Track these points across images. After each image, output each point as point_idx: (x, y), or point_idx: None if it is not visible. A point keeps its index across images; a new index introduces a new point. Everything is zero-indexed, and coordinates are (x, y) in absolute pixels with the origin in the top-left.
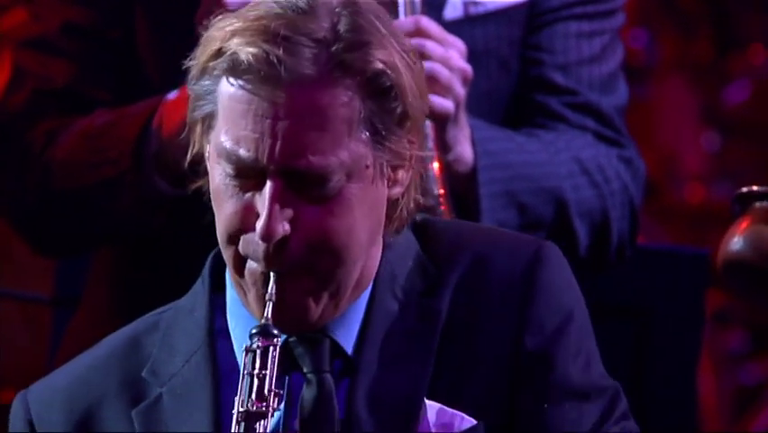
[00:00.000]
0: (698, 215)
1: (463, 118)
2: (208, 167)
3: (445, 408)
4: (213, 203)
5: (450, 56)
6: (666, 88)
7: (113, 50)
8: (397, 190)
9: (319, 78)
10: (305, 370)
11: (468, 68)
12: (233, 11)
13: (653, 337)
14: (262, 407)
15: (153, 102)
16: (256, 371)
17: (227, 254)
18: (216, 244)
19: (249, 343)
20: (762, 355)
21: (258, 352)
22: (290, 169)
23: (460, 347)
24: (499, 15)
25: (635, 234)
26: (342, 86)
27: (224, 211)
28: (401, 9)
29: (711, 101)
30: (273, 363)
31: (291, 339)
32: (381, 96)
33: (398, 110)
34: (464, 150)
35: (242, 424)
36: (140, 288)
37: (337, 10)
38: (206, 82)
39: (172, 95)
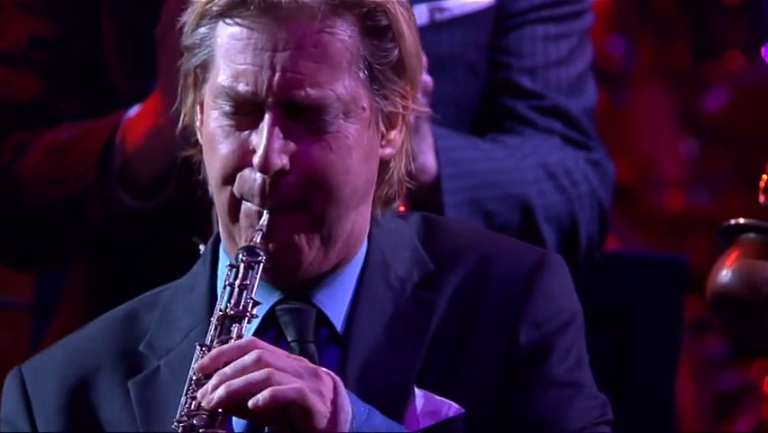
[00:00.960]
0: (676, 221)
1: (425, 128)
2: (199, 136)
3: (433, 395)
4: (207, 155)
5: None
6: (644, 95)
7: (80, 63)
8: (390, 151)
9: (318, 10)
10: (289, 339)
11: (428, 79)
12: None
13: (630, 343)
14: (240, 312)
15: (117, 116)
16: (238, 281)
17: (222, 198)
18: (195, 250)
19: (234, 261)
20: (740, 362)
21: (241, 266)
22: (288, 101)
23: (457, 342)
24: (466, 20)
25: (605, 236)
26: (340, 18)
27: (219, 152)
28: None
29: (689, 107)
30: (255, 277)
31: (278, 307)
32: (378, 35)
33: (395, 53)
34: (427, 159)
35: (219, 327)
36: (115, 297)
37: None
38: (203, 29)
39: (134, 109)
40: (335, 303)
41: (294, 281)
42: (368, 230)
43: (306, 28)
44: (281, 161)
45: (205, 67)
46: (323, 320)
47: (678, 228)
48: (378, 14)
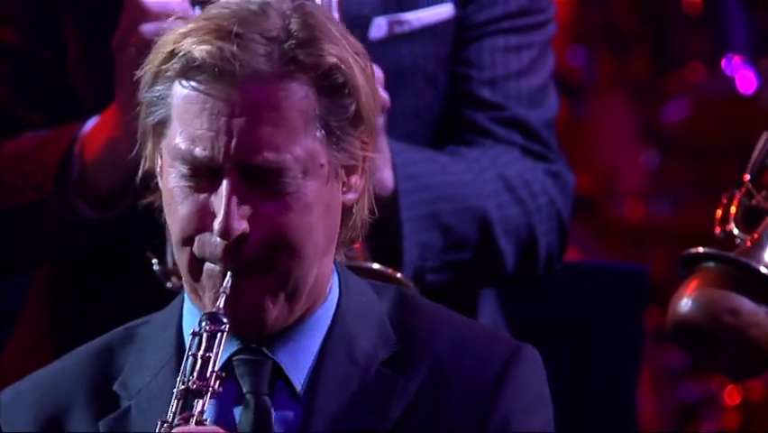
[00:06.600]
0: (637, 232)
1: (383, 143)
2: (159, 181)
3: None
4: (166, 210)
5: None
6: (605, 106)
7: (44, 72)
8: (352, 196)
9: (273, 74)
10: (244, 390)
11: (384, 96)
12: (148, 41)
13: (591, 354)
14: (202, 386)
15: (77, 127)
16: (200, 352)
17: (182, 258)
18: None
19: (197, 327)
20: (700, 373)
21: (204, 336)
22: (246, 165)
23: (425, 426)
24: (425, 33)
25: (564, 247)
26: (296, 81)
27: (178, 214)
28: None
29: (650, 119)
30: (219, 347)
31: (235, 358)
32: (335, 92)
33: (352, 108)
34: (384, 175)
35: (181, 402)
36: (76, 313)
37: (288, 12)
38: (159, 87)
39: (93, 120)
40: (295, 359)
41: (257, 338)
42: (331, 274)
43: (261, 92)
44: (241, 225)
45: (162, 124)
46: (278, 373)
47: (639, 239)
48: (333, 74)
